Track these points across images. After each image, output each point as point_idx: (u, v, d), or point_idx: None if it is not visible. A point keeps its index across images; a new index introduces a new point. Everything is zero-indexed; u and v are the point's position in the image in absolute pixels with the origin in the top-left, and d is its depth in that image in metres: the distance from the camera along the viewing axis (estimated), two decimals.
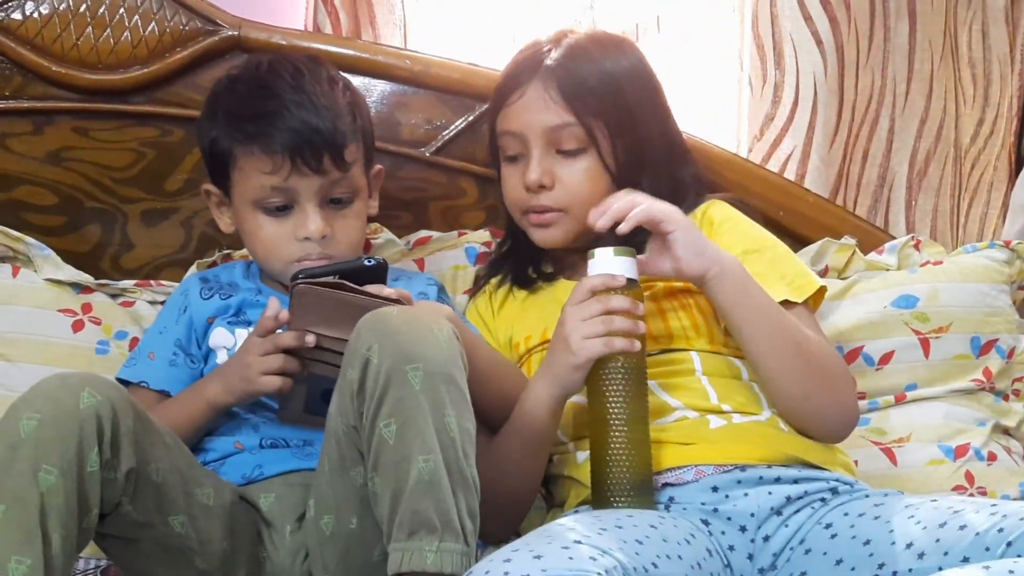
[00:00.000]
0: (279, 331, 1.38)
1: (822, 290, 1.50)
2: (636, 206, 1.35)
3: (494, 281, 1.64)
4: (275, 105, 1.46)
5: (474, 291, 1.67)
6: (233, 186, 1.51)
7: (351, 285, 1.31)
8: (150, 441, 1.25)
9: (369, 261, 1.39)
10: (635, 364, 1.34)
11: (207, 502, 1.31)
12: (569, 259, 1.57)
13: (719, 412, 1.41)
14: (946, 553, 1.15)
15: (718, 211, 1.55)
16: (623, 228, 1.34)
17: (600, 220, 1.36)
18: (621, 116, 1.50)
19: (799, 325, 1.41)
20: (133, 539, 1.28)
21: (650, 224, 1.35)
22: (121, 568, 1.35)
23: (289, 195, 1.48)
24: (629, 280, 1.35)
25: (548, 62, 1.50)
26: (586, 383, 1.36)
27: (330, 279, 1.33)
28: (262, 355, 1.37)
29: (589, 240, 1.45)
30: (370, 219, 1.62)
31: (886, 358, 1.75)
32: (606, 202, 1.37)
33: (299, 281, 1.32)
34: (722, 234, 1.51)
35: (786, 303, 1.44)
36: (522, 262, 1.61)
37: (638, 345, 1.32)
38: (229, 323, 1.53)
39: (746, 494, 1.33)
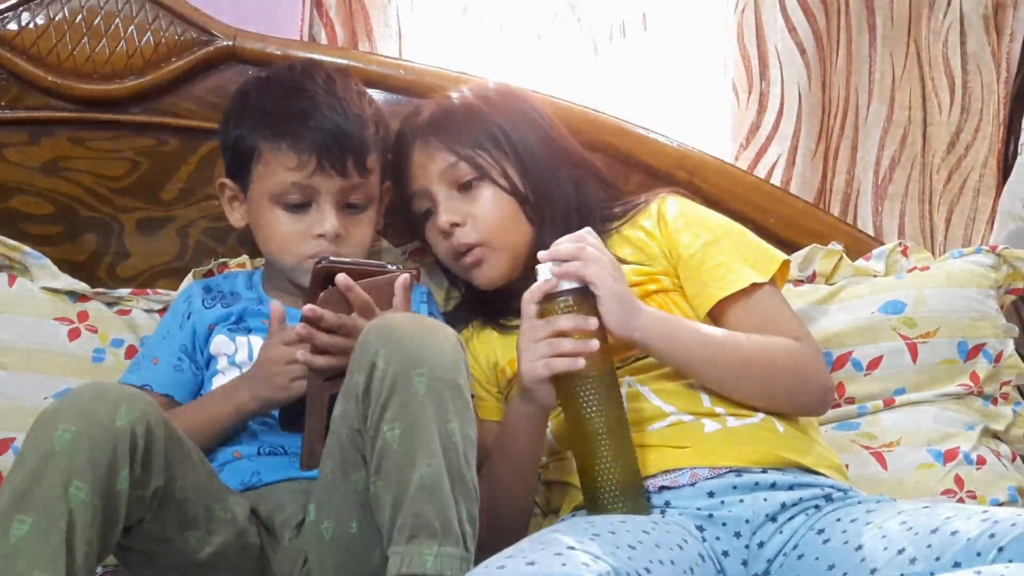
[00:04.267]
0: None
1: (786, 264, 1.53)
2: (577, 258, 1.36)
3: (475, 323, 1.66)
4: (308, 105, 1.50)
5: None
6: (253, 181, 1.54)
7: (373, 265, 1.34)
8: (179, 458, 1.26)
9: (392, 267, 1.40)
10: (601, 372, 1.34)
11: (225, 516, 1.32)
12: None
13: (713, 415, 1.43)
14: (938, 559, 1.16)
15: (670, 208, 1.59)
16: (561, 280, 1.36)
17: (545, 256, 1.37)
18: (499, 141, 1.56)
19: (734, 338, 1.43)
20: (152, 553, 1.29)
21: (581, 281, 1.36)
22: None
23: (309, 193, 1.51)
24: (578, 289, 1.36)
25: (421, 120, 1.60)
26: (559, 398, 1.37)
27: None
28: (289, 363, 1.38)
29: (524, 277, 1.51)
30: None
31: (874, 363, 1.77)
32: (555, 244, 1.39)
33: (321, 264, 1.33)
34: (678, 232, 1.55)
35: (753, 285, 1.48)
36: (492, 309, 1.63)
37: (581, 363, 1.33)
38: (230, 330, 1.55)
39: (742, 500, 1.35)
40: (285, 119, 1.50)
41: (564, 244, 1.37)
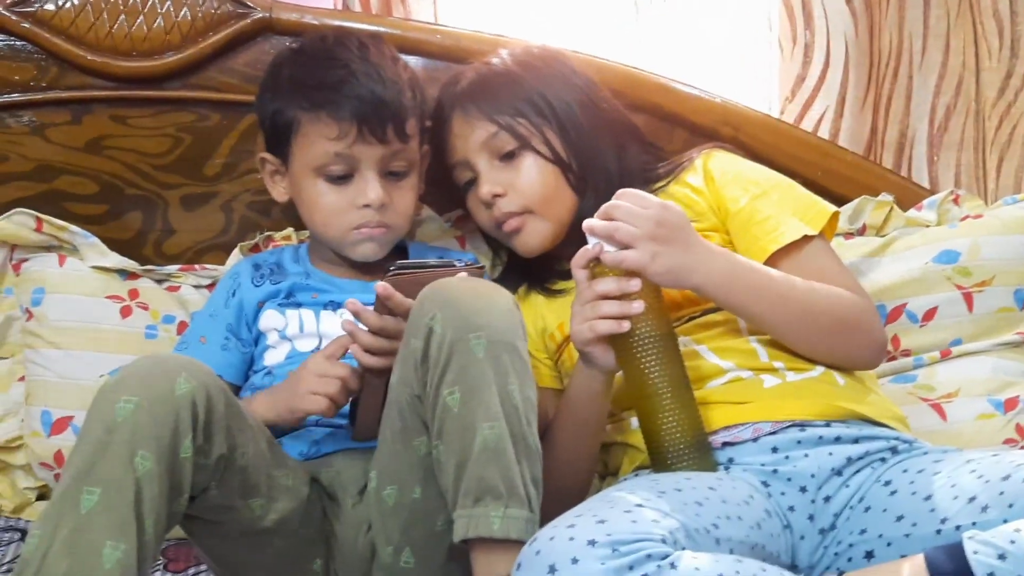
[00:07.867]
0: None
1: (835, 216, 1.51)
2: (612, 240, 1.32)
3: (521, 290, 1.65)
4: (344, 74, 1.49)
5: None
6: (294, 154, 1.53)
7: (443, 265, 1.33)
8: (239, 426, 1.25)
9: (460, 261, 1.39)
10: (659, 330, 1.33)
11: (287, 483, 1.32)
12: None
13: (772, 371, 1.42)
14: (1011, 505, 1.14)
15: (716, 163, 1.57)
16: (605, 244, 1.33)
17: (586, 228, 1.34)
18: (540, 108, 1.55)
19: (798, 286, 1.40)
20: (216, 521, 1.29)
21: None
22: (204, 550, 1.37)
23: (351, 163, 1.50)
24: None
25: (459, 89, 1.59)
26: (619, 359, 1.36)
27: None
28: (319, 376, 1.37)
29: (568, 240, 1.51)
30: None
31: (929, 314, 1.75)
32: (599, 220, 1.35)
33: (392, 273, 1.32)
34: (726, 187, 1.53)
35: (804, 238, 1.45)
36: (537, 274, 1.62)
37: (627, 325, 1.31)
38: (280, 305, 1.55)
39: (806, 455, 1.34)
40: (322, 89, 1.50)
41: (598, 225, 1.33)
